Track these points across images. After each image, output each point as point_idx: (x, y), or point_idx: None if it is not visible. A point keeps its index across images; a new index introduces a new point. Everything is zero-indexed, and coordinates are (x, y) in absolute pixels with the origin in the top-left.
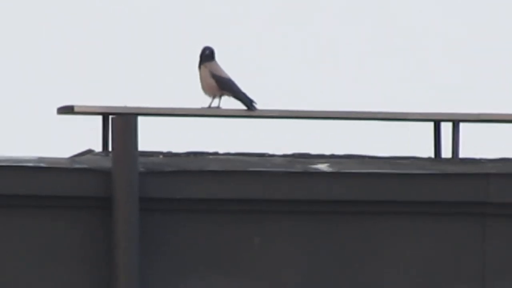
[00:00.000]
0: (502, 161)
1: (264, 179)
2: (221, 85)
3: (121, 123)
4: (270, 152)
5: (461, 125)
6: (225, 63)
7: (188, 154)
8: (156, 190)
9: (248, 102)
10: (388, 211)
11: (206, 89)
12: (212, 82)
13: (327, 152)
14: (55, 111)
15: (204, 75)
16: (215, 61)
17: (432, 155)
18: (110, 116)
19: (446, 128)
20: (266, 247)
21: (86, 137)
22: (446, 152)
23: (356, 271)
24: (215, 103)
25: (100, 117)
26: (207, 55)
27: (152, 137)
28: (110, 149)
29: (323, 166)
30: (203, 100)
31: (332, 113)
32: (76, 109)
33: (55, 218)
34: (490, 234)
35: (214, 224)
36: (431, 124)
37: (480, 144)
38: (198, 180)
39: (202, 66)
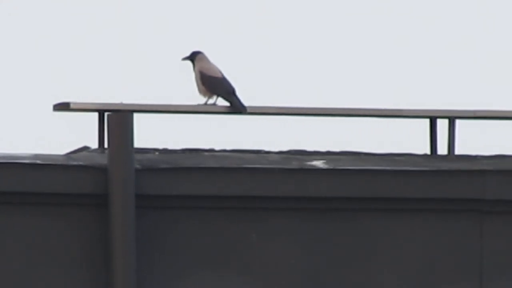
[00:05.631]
0: (499, 158)
1: (260, 176)
2: (212, 90)
3: (117, 120)
4: (266, 149)
5: (457, 121)
6: (222, 61)
7: (184, 151)
8: (152, 187)
9: (238, 106)
10: (384, 208)
11: (200, 92)
12: (203, 88)
13: (323, 148)
14: (51, 108)
15: (196, 78)
16: (206, 59)
17: (428, 152)
18: (106, 113)
19: (442, 125)
20: (263, 244)
21: (82, 134)
22: (442, 148)
23: (352, 268)
24: (211, 100)
25: (96, 114)
26: (193, 53)
27: (148, 134)
28: (106, 146)
29: (319, 163)
30: (199, 97)
31: (328, 110)
32: (72, 106)
33: (50, 215)
34: (487, 231)
35: (210, 221)
36: (427, 120)
37: (476, 140)
38: (194, 177)
39: (195, 68)
